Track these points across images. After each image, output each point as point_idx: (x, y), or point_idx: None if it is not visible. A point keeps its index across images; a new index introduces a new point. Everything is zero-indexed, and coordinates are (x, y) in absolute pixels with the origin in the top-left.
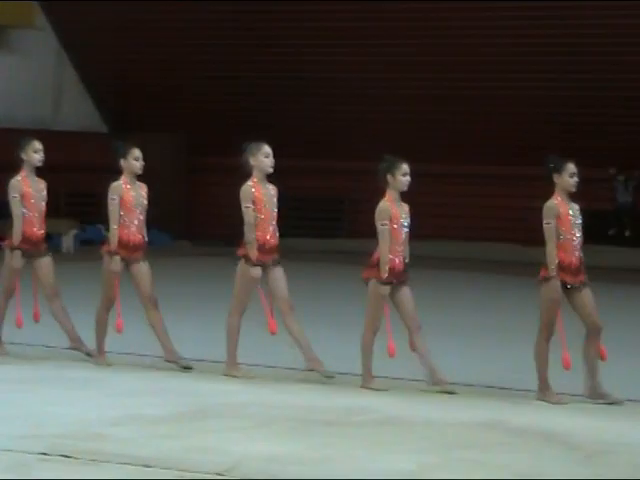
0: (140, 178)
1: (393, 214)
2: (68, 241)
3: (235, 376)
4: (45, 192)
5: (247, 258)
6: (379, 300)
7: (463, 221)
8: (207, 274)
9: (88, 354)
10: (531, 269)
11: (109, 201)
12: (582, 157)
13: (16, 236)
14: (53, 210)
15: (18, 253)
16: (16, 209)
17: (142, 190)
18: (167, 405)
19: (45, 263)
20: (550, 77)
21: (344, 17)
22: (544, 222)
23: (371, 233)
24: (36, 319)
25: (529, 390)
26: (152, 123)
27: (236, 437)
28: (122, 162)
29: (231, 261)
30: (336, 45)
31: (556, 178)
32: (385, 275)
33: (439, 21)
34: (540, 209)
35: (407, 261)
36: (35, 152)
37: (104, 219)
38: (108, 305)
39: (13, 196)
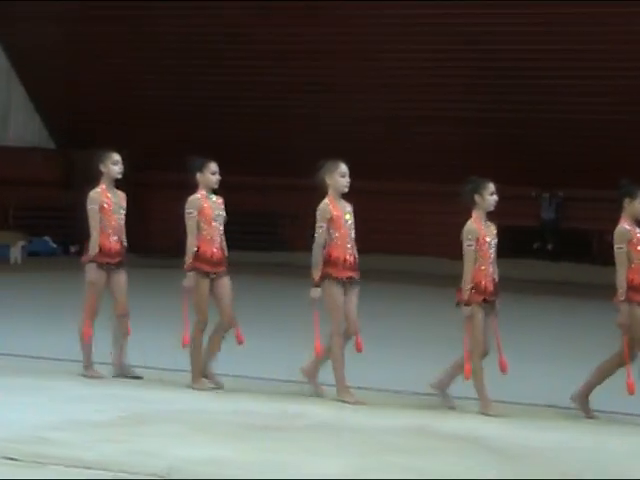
0: (83, 191)
1: (481, 235)
2: (16, 252)
3: (347, 402)
4: (125, 204)
5: (330, 277)
6: (474, 322)
7: (401, 236)
8: (146, 285)
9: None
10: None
11: (186, 215)
12: (511, 176)
13: (92, 248)
14: (2, 222)
15: (92, 265)
16: (93, 221)
17: (219, 203)
18: (110, 411)
19: (121, 278)
20: (485, 99)
21: (280, 40)
22: (616, 247)
23: (306, 246)
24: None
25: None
26: (98, 140)
27: (175, 441)
28: (198, 176)
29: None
30: (276, 66)
31: (626, 203)
32: (467, 295)
33: (378, 44)
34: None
35: (497, 280)
36: (114, 164)
37: (50, 231)
38: (202, 327)
39: (91, 207)
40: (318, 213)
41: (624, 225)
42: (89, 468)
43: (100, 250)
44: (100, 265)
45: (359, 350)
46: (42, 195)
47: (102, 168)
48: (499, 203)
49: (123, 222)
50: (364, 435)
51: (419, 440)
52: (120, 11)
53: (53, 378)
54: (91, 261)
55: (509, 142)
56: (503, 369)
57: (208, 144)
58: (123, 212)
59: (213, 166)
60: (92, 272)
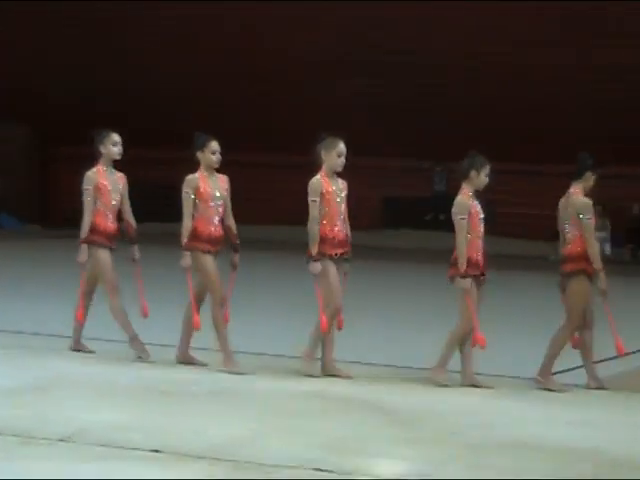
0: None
1: (473, 209)
2: None
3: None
4: (122, 185)
5: (322, 254)
6: (470, 296)
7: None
8: (57, 256)
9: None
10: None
11: (183, 195)
12: (407, 149)
13: (83, 230)
14: None
15: (84, 247)
16: (86, 201)
17: (221, 182)
18: (16, 378)
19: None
20: (379, 82)
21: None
22: (586, 217)
23: None
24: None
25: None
26: (6, 116)
27: (81, 406)
28: (199, 154)
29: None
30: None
31: (587, 176)
32: (464, 268)
33: (263, 29)
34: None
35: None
36: (114, 145)
37: None
38: (221, 302)
39: (85, 188)
40: (310, 188)
41: (581, 197)
42: None
43: (95, 230)
44: (97, 244)
45: (339, 328)
46: None
47: (102, 149)
48: (397, 175)
49: (119, 203)
50: (262, 400)
51: (316, 404)
52: None
53: None
54: (84, 242)
55: (401, 117)
56: (479, 342)
57: (114, 119)
58: (120, 193)
59: (214, 145)
60: (83, 254)
